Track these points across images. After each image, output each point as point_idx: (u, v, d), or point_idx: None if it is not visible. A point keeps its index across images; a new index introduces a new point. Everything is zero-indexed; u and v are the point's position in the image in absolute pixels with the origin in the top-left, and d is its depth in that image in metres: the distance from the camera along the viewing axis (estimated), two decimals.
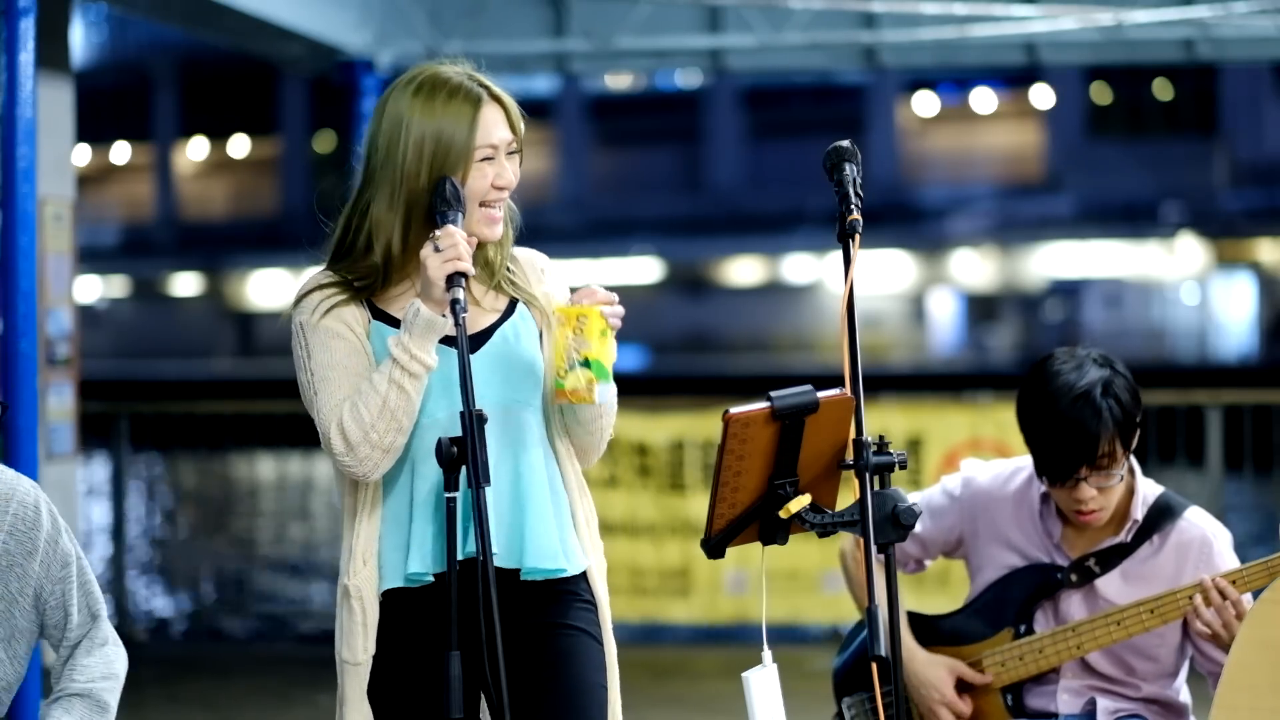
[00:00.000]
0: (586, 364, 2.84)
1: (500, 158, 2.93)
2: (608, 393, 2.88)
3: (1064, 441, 3.44)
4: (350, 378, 2.87)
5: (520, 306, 3.01)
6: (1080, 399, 3.43)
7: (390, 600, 2.92)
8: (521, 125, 2.98)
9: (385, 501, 2.93)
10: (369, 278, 2.93)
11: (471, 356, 2.87)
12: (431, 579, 2.88)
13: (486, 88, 2.95)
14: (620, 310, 2.89)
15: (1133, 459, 3.62)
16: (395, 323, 2.91)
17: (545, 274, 3.08)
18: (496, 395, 2.91)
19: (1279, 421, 9.17)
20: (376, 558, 2.91)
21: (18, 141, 5.56)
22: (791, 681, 3.03)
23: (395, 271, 2.94)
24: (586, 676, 2.95)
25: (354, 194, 2.98)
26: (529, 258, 3.09)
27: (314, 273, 2.98)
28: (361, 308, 2.92)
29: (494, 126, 2.93)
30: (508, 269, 3.05)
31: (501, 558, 2.88)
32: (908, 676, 3.70)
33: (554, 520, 2.95)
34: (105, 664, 3.04)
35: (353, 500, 2.94)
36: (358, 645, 2.91)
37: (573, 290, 2.98)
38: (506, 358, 2.95)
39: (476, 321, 2.95)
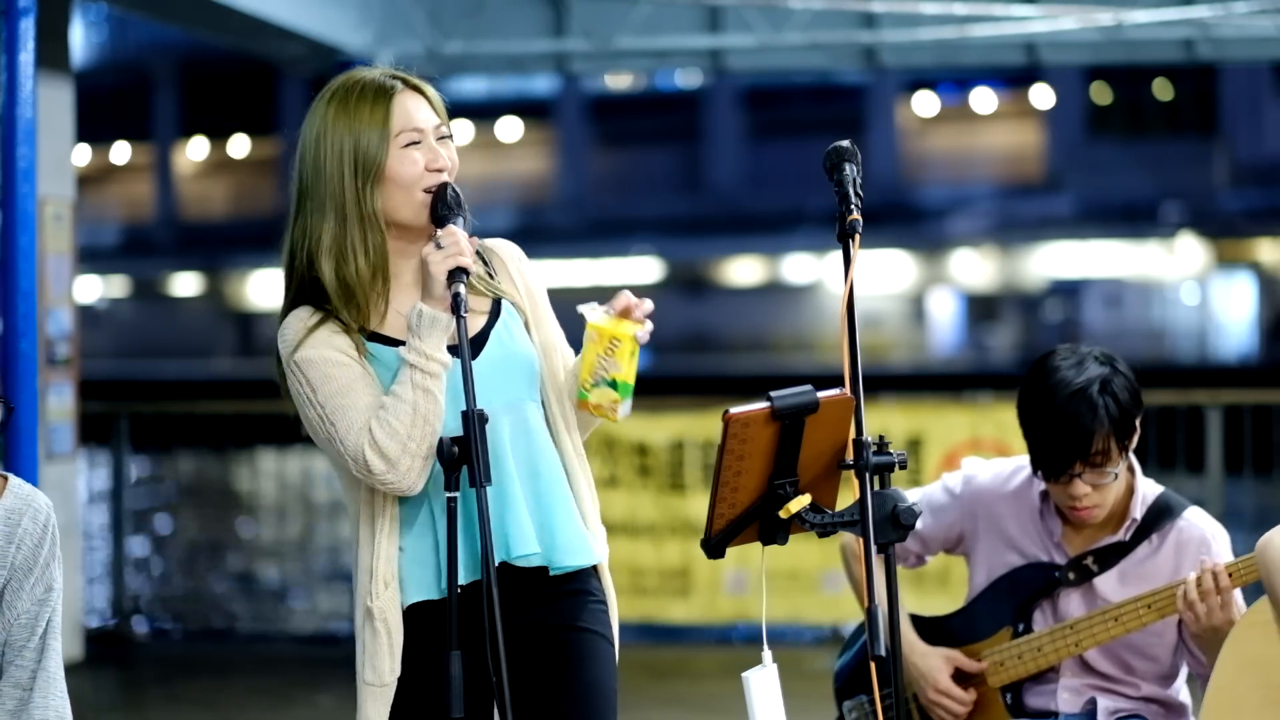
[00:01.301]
0: (614, 385, 2.87)
1: (429, 141, 2.93)
2: (627, 408, 2.90)
3: (1059, 436, 3.45)
4: (362, 399, 2.85)
5: (504, 304, 3.01)
6: (1077, 395, 3.44)
7: (414, 615, 2.89)
8: (445, 114, 2.98)
9: (403, 516, 2.90)
10: (345, 302, 2.90)
11: (473, 362, 2.87)
12: (459, 589, 2.85)
13: (401, 79, 2.96)
14: (650, 327, 2.89)
15: (1133, 458, 3.62)
16: (389, 341, 2.90)
17: (522, 263, 3.09)
18: (503, 396, 2.91)
19: (1279, 421, 9.17)
20: (398, 575, 2.89)
21: (18, 141, 5.55)
22: (791, 681, 3.03)
23: (367, 288, 2.91)
24: (601, 680, 2.95)
25: (290, 225, 2.97)
26: (505, 249, 3.10)
27: (293, 312, 2.93)
28: (349, 334, 2.89)
29: (414, 111, 2.93)
30: (483, 260, 3.05)
31: (530, 556, 2.88)
32: (906, 669, 3.70)
33: (575, 512, 2.96)
34: (62, 701, 3.02)
35: (370, 522, 2.90)
36: (384, 667, 2.87)
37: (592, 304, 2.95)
38: (505, 359, 2.96)
39: (469, 326, 2.92)
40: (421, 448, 2.81)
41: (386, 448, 2.80)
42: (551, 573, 2.93)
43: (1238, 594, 3.48)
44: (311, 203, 2.94)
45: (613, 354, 2.86)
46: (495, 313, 3.00)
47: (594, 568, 3.01)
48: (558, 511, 2.93)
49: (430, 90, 2.99)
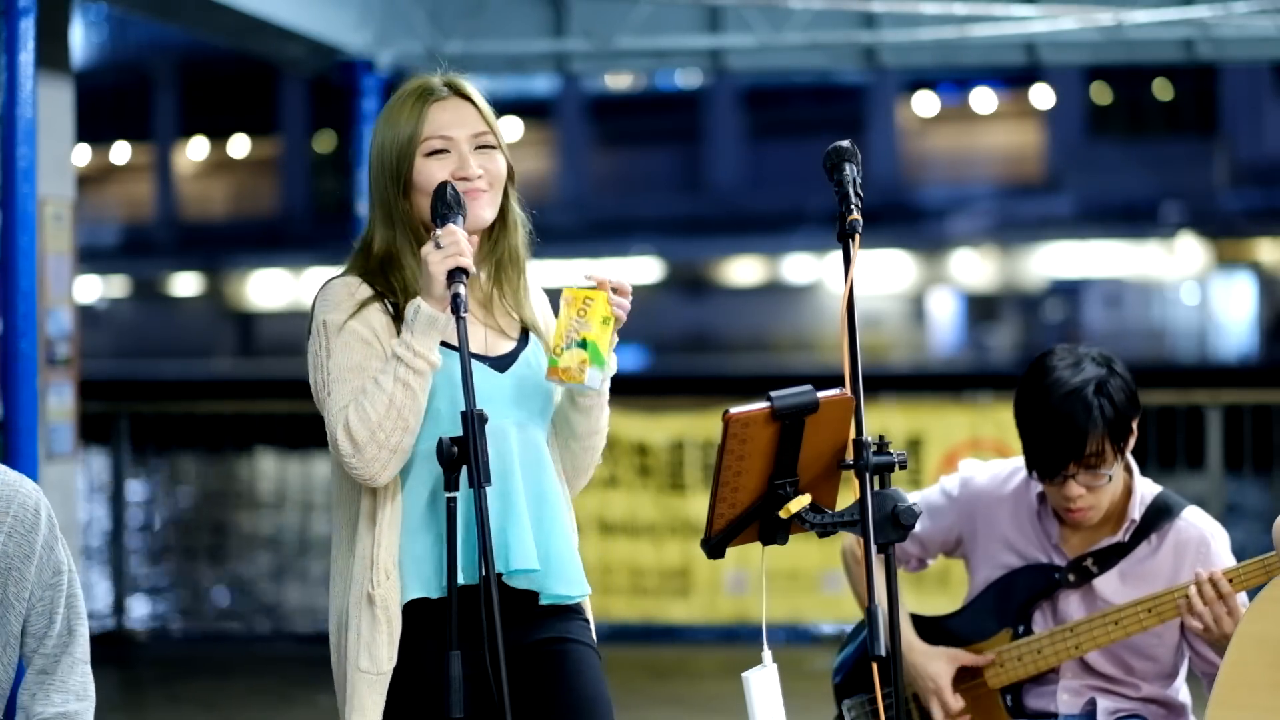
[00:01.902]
0: (583, 345, 2.85)
1: (460, 151, 2.94)
2: (599, 378, 2.88)
3: (1053, 437, 3.45)
4: (365, 381, 2.86)
5: (532, 334, 3.04)
6: (1072, 395, 3.44)
7: (411, 610, 2.89)
8: (495, 123, 3.00)
9: (406, 511, 2.90)
10: (392, 290, 2.93)
11: (500, 376, 2.92)
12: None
13: (452, 85, 2.99)
14: (626, 303, 2.90)
15: (1130, 459, 3.62)
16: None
17: (543, 297, 3.12)
18: (520, 416, 2.93)
19: (1279, 421, 9.17)
20: (399, 568, 2.89)
21: (18, 141, 5.56)
22: (791, 681, 3.03)
23: (411, 280, 2.93)
24: (599, 692, 2.96)
25: (369, 223, 3.02)
26: (531, 282, 3.13)
27: (339, 275, 2.98)
28: (387, 314, 2.91)
29: (447, 119, 2.95)
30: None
31: (528, 580, 2.89)
32: (907, 669, 3.70)
33: (573, 540, 2.98)
34: (84, 684, 3.02)
35: (370, 511, 2.89)
36: (381, 655, 2.87)
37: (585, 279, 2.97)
38: (530, 381, 2.97)
39: (499, 344, 2.97)
40: (391, 440, 2.81)
41: (356, 432, 2.81)
42: (542, 601, 2.94)
43: (1242, 597, 3.47)
44: (371, 206, 3.00)
45: (584, 315, 2.85)
46: (524, 338, 3.02)
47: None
48: (556, 538, 2.94)
49: (478, 97, 3.00)
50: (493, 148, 2.98)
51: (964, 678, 3.72)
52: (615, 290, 2.90)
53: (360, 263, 2.98)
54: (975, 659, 3.68)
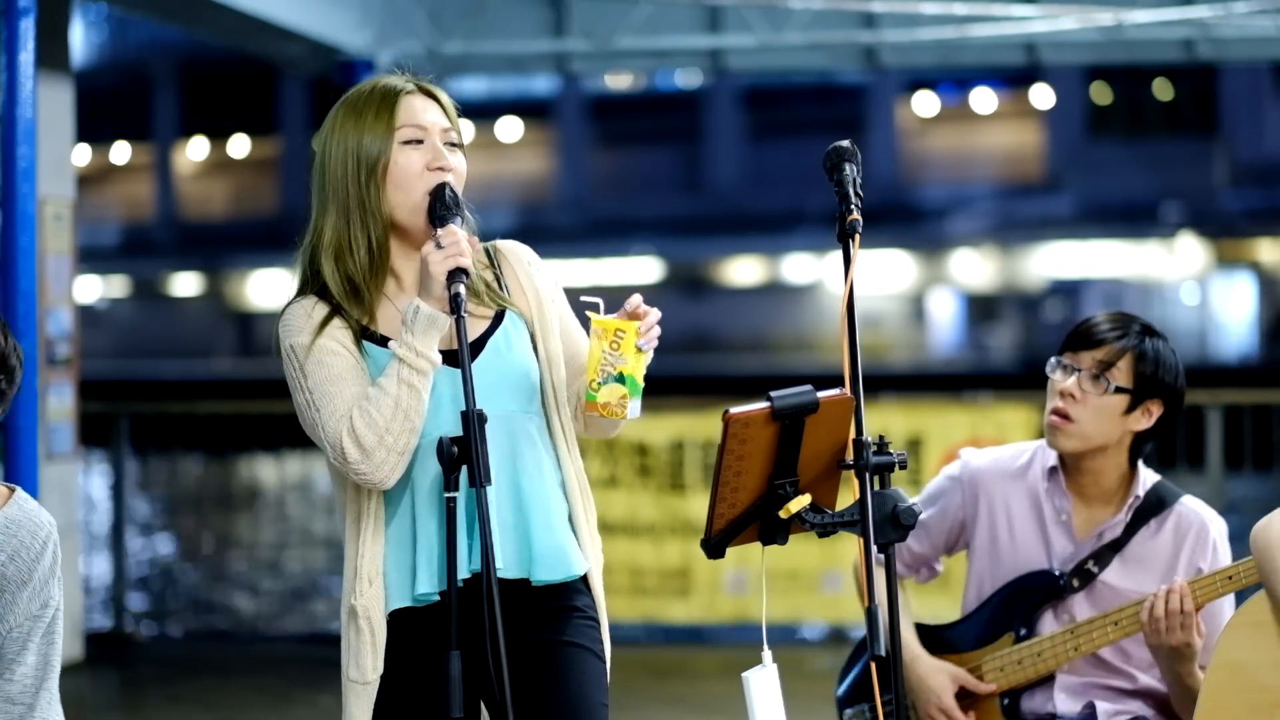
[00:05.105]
0: (621, 379, 2.85)
1: (432, 141, 2.94)
2: (638, 407, 2.89)
3: (1083, 324, 3.63)
4: (350, 389, 2.85)
5: (509, 313, 3.00)
6: (1122, 314, 3.64)
7: (397, 620, 2.90)
8: (458, 122, 3.00)
9: (388, 521, 2.90)
10: (349, 297, 2.93)
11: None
12: (438, 598, 2.86)
13: (416, 84, 2.99)
14: (657, 332, 2.89)
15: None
16: (383, 340, 2.91)
17: (533, 266, 3.08)
18: (493, 407, 2.88)
19: (1279, 421, 9.17)
20: (382, 578, 2.89)
21: (18, 141, 5.56)
22: (791, 681, 3.03)
23: (371, 286, 2.93)
24: (589, 695, 2.93)
25: (310, 224, 3.00)
26: (516, 252, 3.09)
27: (296, 300, 2.97)
28: (348, 329, 2.91)
29: (420, 111, 2.95)
30: (492, 264, 3.05)
31: (510, 569, 2.88)
32: (910, 681, 3.70)
33: (558, 525, 2.94)
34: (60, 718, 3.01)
35: (355, 520, 2.91)
36: (366, 665, 2.88)
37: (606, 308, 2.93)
38: (499, 368, 2.94)
39: (468, 332, 2.92)
40: (399, 442, 2.81)
41: (364, 437, 2.80)
42: (533, 584, 2.92)
43: (1229, 600, 3.50)
44: (319, 202, 2.97)
45: (617, 348, 2.85)
46: (497, 321, 2.98)
47: (583, 578, 3.00)
48: (536, 524, 2.91)
49: (444, 96, 3.00)
50: (457, 145, 2.99)
51: (964, 694, 3.72)
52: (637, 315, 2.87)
53: (308, 264, 2.97)
54: (978, 685, 3.68)
